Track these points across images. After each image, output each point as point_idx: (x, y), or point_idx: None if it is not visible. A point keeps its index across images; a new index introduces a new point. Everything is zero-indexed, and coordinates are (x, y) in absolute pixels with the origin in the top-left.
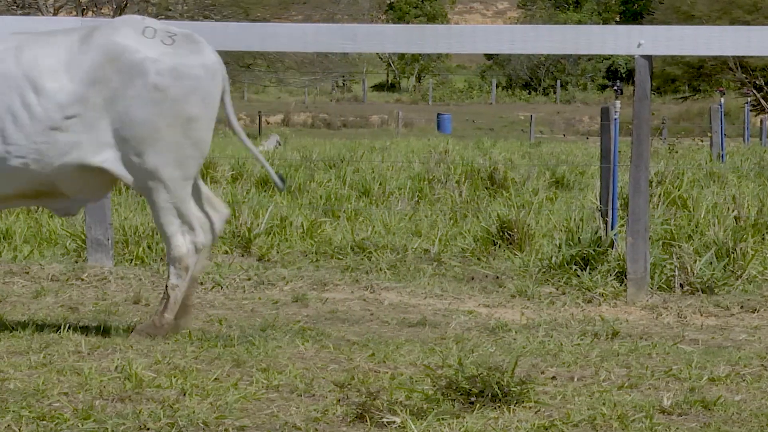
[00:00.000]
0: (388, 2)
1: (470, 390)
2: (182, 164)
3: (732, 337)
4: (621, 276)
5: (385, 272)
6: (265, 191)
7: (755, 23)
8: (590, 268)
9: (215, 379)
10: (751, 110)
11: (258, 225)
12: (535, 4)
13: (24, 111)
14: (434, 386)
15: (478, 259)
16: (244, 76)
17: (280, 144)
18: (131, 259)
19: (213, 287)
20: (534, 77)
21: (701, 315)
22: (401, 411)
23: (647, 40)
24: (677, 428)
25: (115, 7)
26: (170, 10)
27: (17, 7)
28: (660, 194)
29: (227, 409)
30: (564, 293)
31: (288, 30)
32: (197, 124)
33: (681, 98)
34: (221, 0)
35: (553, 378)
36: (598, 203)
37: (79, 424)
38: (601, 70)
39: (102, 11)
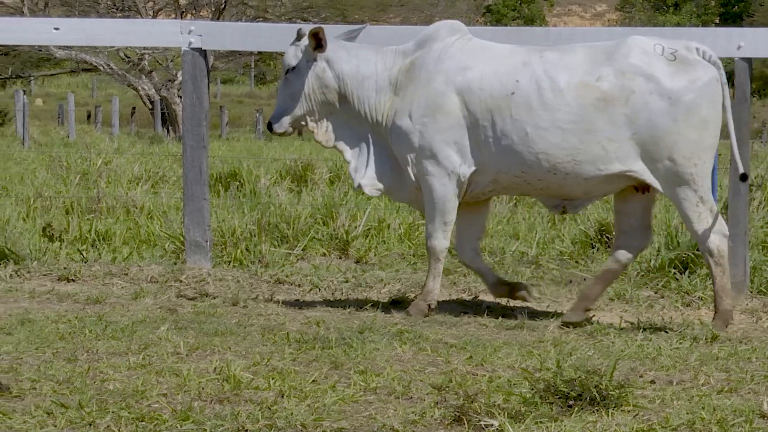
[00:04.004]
0: (486, 5)
1: (568, 393)
2: None
3: None
4: None
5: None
6: (363, 193)
7: None
8: (689, 272)
9: (313, 381)
10: None
11: (356, 227)
12: (634, 6)
13: None
14: (532, 389)
15: (576, 262)
16: None
17: None
18: (229, 261)
19: (311, 289)
20: None
21: None
22: (499, 414)
23: (747, 42)
24: None
25: (213, 9)
26: (268, 12)
27: (116, 9)
28: (760, 198)
29: (325, 411)
30: (663, 297)
31: (385, 32)
32: None
33: None
34: (318, 2)
35: (652, 382)
36: None
37: (178, 426)
38: None
39: (201, 14)
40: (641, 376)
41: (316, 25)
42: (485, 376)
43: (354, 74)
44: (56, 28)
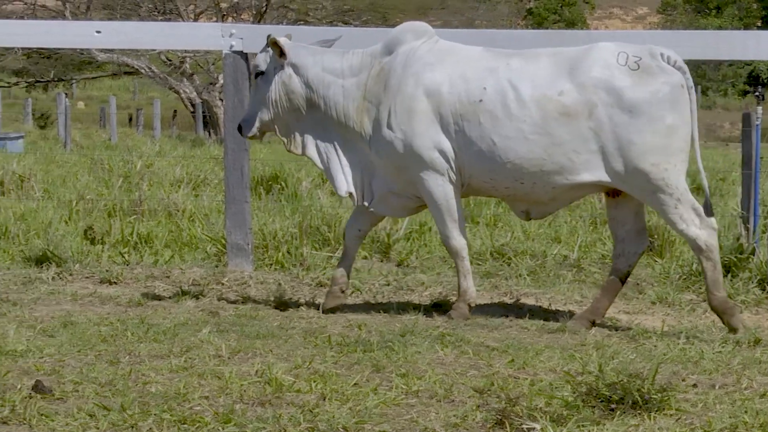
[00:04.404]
0: (527, 8)
1: (610, 397)
2: None
3: None
4: (763, 283)
5: (524, 278)
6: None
7: None
8: (731, 276)
9: (355, 384)
10: None
11: (397, 230)
12: (676, 9)
13: None
14: (574, 393)
15: None
16: None
17: None
18: (271, 264)
19: (353, 292)
20: None
21: None
22: (541, 417)
23: None
24: None
25: (254, 13)
26: (309, 15)
27: (158, 12)
28: None
29: (367, 414)
30: (705, 300)
31: None
32: None
33: None
34: (359, 5)
35: (694, 386)
36: (740, 210)
37: (220, 428)
38: (742, 75)
39: (242, 17)
40: (683, 380)
41: (283, 38)
42: (527, 379)
43: (320, 79)
44: (98, 32)
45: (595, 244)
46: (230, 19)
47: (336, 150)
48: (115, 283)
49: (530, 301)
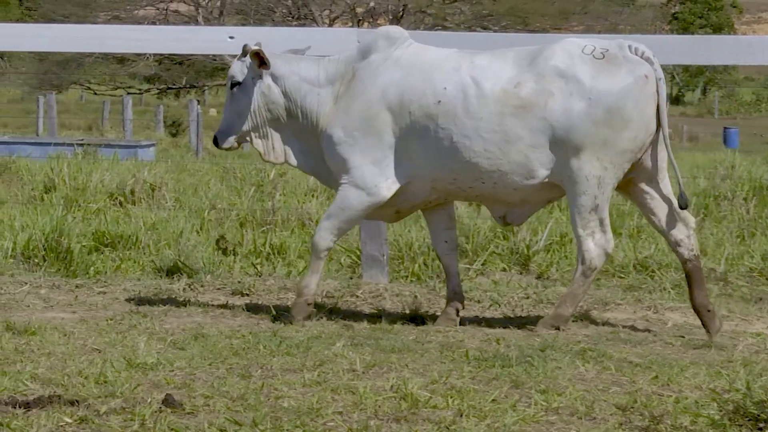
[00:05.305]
0: (672, 13)
1: (758, 415)
2: None
3: None
4: None
5: (668, 292)
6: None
7: None
8: None
9: (493, 400)
10: None
11: (537, 242)
12: None
13: None
14: (720, 411)
15: (767, 279)
16: None
17: None
18: (407, 276)
19: (491, 305)
20: None
21: None
22: None
23: None
24: None
25: (391, 18)
26: (446, 20)
27: (292, 18)
28: None
29: (505, 431)
30: None
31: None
32: None
33: None
34: (499, 10)
35: None
36: None
37: None
38: None
39: (378, 22)
40: None
41: (256, 46)
42: (671, 396)
43: (297, 88)
44: (231, 37)
45: (743, 257)
46: (366, 24)
47: (317, 156)
48: (247, 294)
49: (675, 316)
